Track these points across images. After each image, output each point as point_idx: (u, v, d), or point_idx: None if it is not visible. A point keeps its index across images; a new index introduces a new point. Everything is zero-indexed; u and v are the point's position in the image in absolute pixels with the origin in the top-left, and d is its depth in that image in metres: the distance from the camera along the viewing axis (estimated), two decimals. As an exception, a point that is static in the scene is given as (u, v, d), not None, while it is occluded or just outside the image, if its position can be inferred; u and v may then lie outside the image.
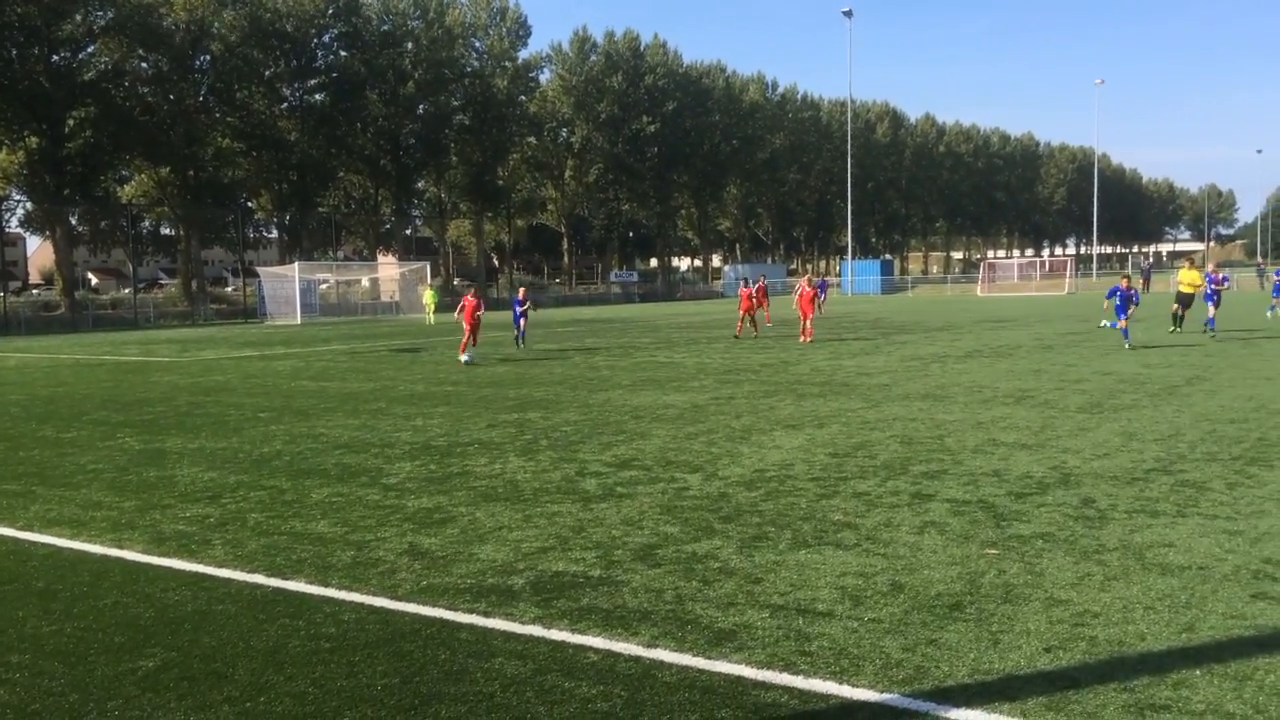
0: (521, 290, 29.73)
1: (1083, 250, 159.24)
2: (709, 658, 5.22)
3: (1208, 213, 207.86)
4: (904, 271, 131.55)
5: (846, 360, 22.17)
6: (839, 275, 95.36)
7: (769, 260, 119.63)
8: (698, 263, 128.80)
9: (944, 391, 16.08)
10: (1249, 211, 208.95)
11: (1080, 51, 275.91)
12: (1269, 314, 34.79)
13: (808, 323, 28.63)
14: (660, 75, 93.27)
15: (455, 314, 26.40)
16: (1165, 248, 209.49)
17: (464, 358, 23.01)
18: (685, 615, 5.87)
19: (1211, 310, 27.04)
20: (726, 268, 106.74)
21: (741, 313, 31.24)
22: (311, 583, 6.65)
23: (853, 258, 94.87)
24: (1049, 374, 18.18)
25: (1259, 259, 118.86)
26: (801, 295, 29.18)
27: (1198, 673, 4.88)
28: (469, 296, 27.54)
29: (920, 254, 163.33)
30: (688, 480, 9.68)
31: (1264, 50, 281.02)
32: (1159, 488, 8.88)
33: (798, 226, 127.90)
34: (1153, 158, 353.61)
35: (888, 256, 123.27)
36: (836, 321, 38.55)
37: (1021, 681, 4.85)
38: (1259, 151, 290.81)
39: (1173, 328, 27.55)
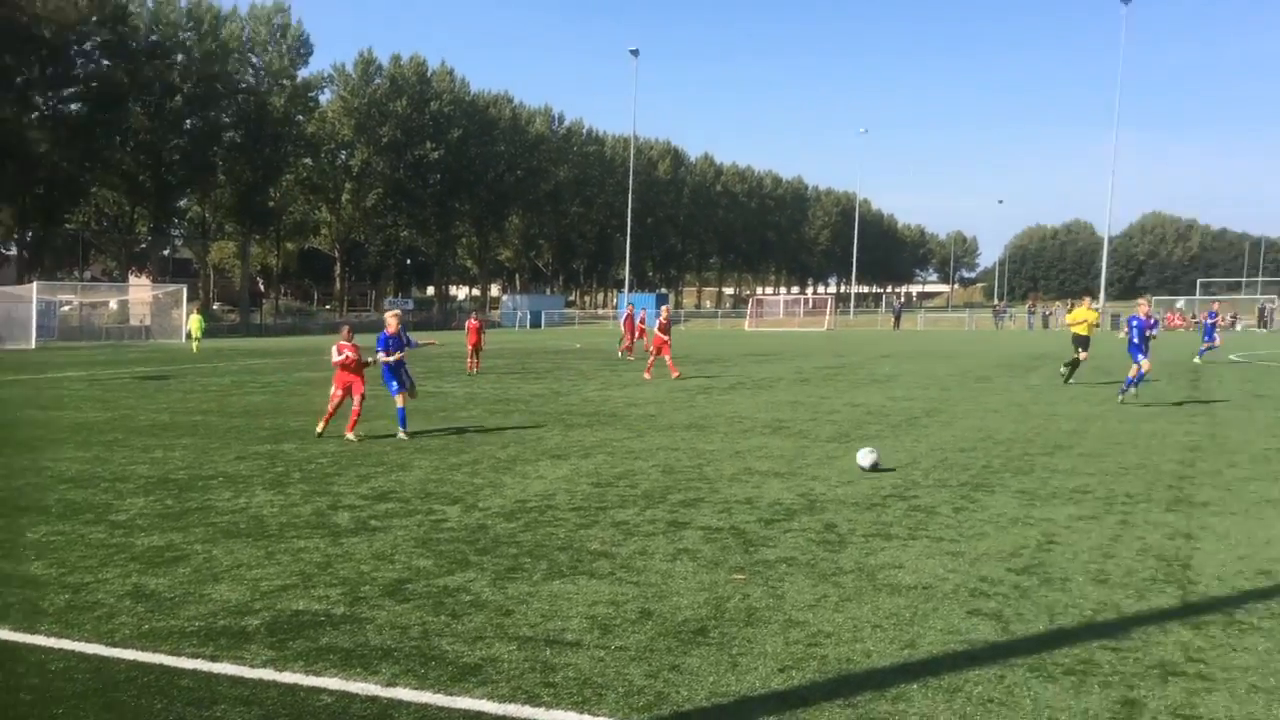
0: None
1: (843, 289, 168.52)
2: (450, 694, 5.11)
3: (954, 257, 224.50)
4: (679, 305, 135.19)
5: (616, 391, 22.49)
6: (615, 307, 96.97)
7: (548, 291, 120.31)
8: (476, 292, 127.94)
9: (707, 422, 16.55)
10: (990, 256, 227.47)
11: (847, 100, 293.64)
12: (1196, 359, 31.46)
13: (668, 357, 26.10)
14: (446, 102, 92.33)
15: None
16: (915, 288, 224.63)
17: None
18: (430, 651, 5.73)
19: (1143, 365, 19.10)
20: (505, 298, 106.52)
21: (628, 343, 34.90)
22: (17, 629, 6.09)
23: (630, 290, 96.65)
24: (805, 405, 19.05)
25: (996, 301, 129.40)
26: (660, 327, 26.64)
27: (915, 686, 5.18)
28: (472, 320, 28.88)
29: (695, 289, 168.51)
30: (446, 512, 9.51)
31: (1005, 111, 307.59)
32: (894, 512, 9.42)
33: (578, 258, 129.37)
34: (907, 204, 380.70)
35: (664, 290, 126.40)
36: (609, 353, 39.13)
37: (755, 702, 5.01)
38: (1000, 202, 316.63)
39: (1066, 376, 23.79)
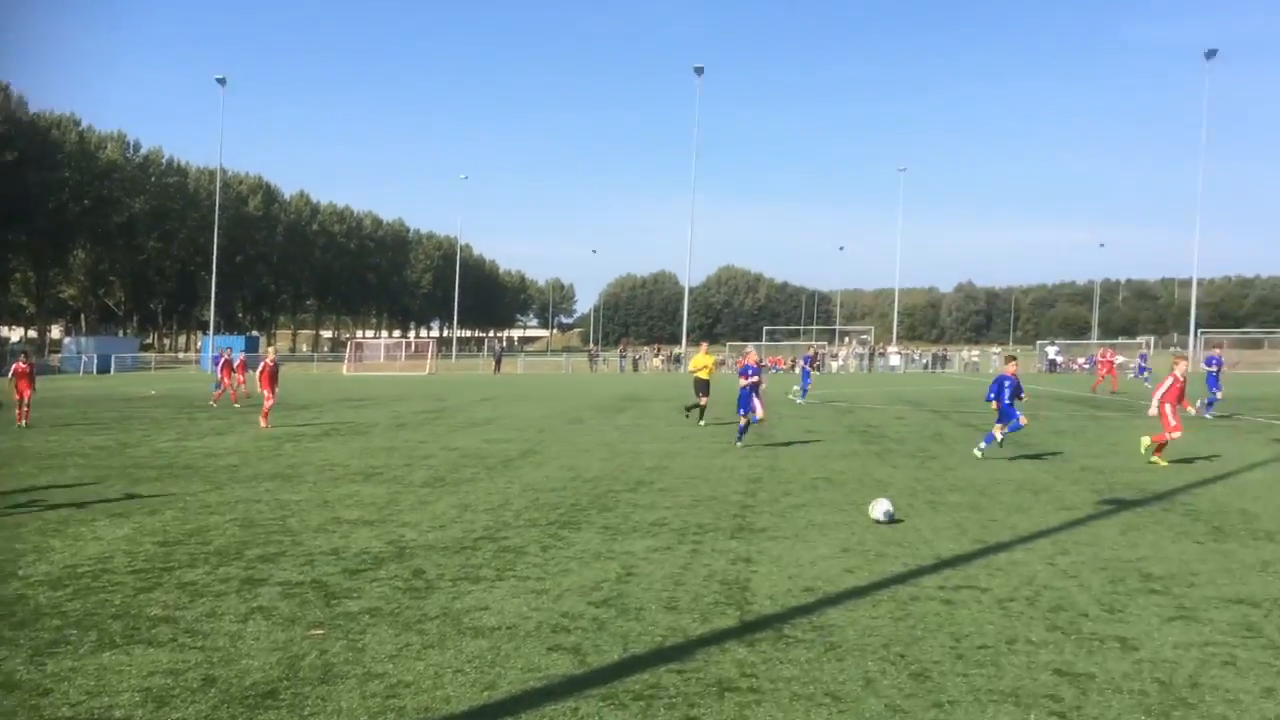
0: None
1: (445, 333, 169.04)
2: (-36, 794, 4.43)
3: (553, 303, 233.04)
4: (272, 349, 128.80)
5: (193, 441, 20.92)
6: (200, 350, 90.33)
7: (120, 333, 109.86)
8: (33, 333, 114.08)
9: (294, 471, 15.82)
10: (586, 303, 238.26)
11: (449, 145, 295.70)
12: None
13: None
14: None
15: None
16: (517, 333, 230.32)
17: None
18: (-57, 746, 4.95)
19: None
20: (68, 340, 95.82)
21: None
22: None
23: (216, 333, 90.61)
24: (400, 450, 18.79)
25: (591, 345, 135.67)
26: (263, 370, 25.12)
27: (491, 728, 5.21)
28: (20, 364, 25.58)
29: (290, 331, 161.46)
30: (-23, 583, 8.30)
31: (597, 165, 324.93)
32: (483, 554, 9.50)
33: (156, 298, 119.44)
34: (508, 251, 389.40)
35: (255, 333, 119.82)
36: (188, 399, 36.37)
37: (325, 763, 4.79)
38: (594, 251, 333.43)
39: (691, 416, 24.62)
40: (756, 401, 19.28)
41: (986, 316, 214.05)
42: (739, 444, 19.25)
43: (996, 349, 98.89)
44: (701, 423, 24.17)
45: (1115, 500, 12.60)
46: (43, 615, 7.34)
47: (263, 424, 23.97)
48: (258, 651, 6.49)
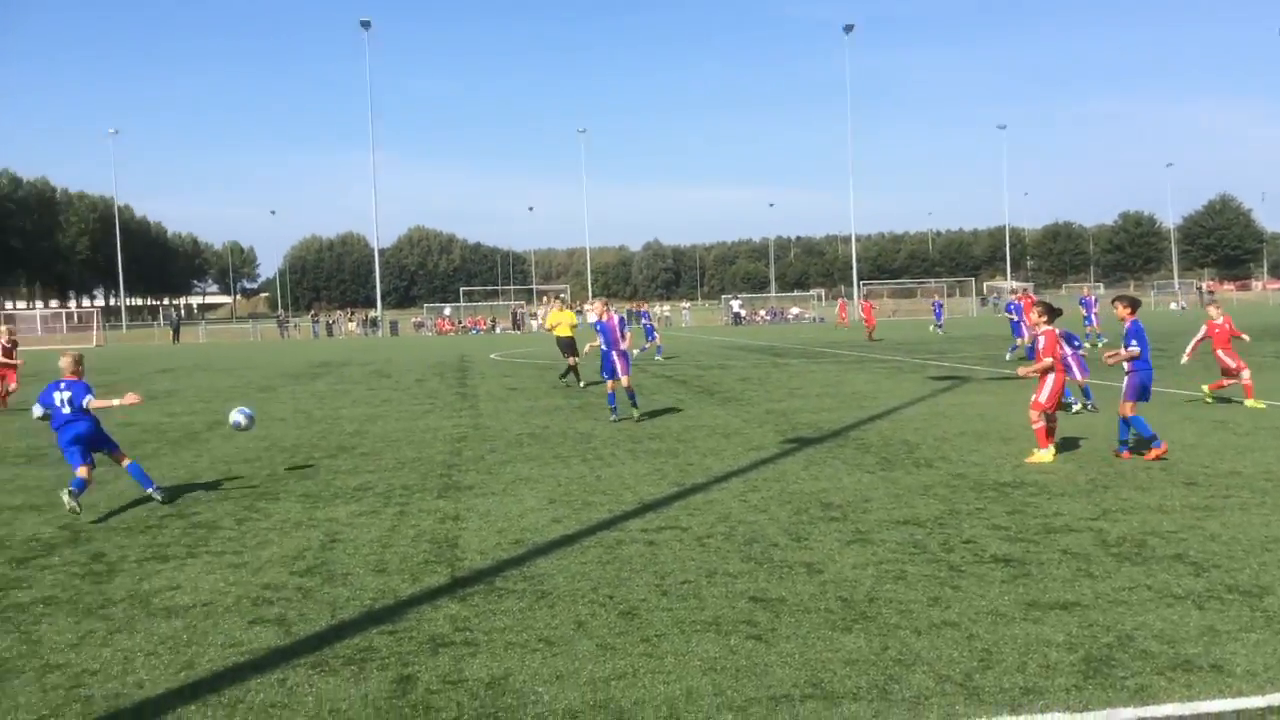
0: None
1: (112, 302, 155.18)
2: None
3: (233, 268, 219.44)
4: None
5: None
6: None
7: None
8: None
9: (-60, 457, 14.08)
10: (270, 267, 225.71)
11: (95, 97, 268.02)
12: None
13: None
14: None
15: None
16: (196, 300, 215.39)
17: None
18: None
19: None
20: None
21: None
22: None
23: None
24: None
25: (280, 311, 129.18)
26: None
27: (193, 707, 4.94)
28: None
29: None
30: None
31: (272, 123, 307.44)
32: (171, 532, 8.91)
33: None
34: (176, 212, 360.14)
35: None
36: None
37: (1, 766, 4.37)
38: (273, 213, 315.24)
39: (570, 383, 23.13)
40: (618, 363, 16.38)
41: (675, 274, 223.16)
42: (612, 418, 16.23)
43: (686, 304, 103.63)
44: (581, 384, 22.53)
45: (797, 439, 13.61)
46: None
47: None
48: (-92, 656, 5.77)
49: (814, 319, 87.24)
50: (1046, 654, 5.38)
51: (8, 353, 22.08)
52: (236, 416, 11.79)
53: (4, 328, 23.55)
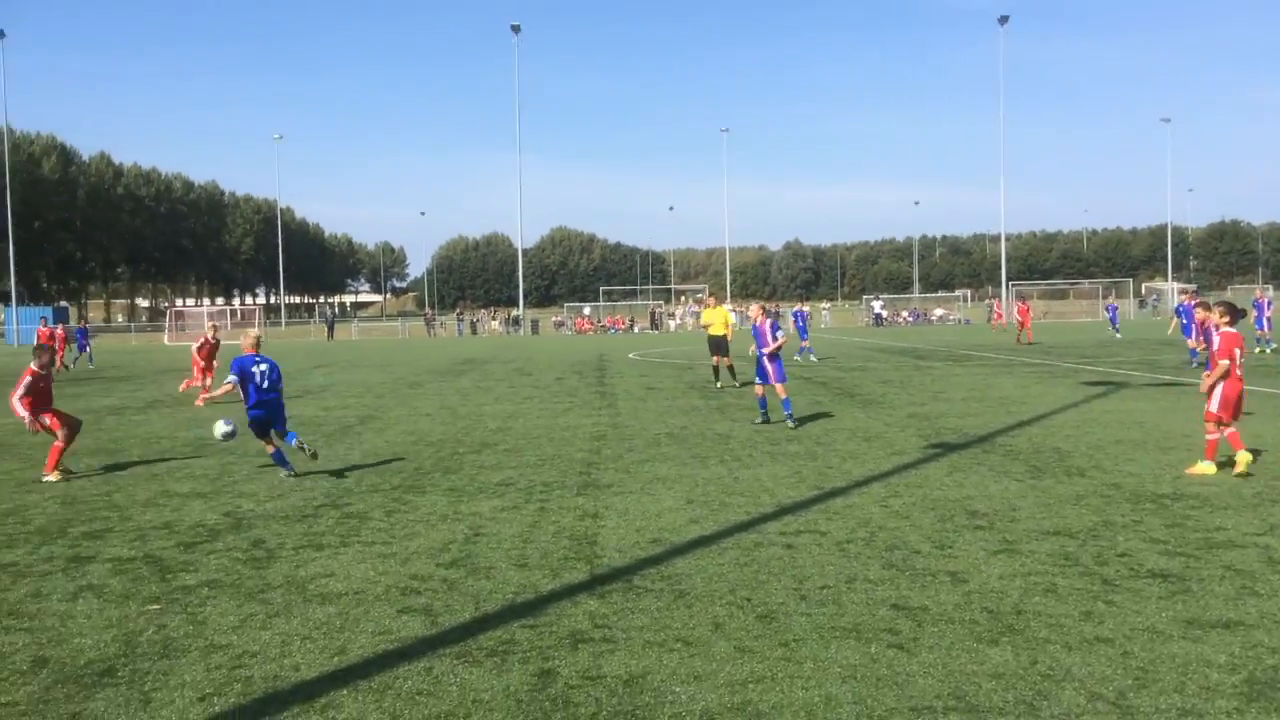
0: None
1: (272, 299, 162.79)
2: None
3: (384, 267, 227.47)
4: (84, 319, 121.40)
5: (5, 417, 19.58)
6: (3, 322, 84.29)
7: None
8: None
9: (118, 445, 15.07)
10: (419, 266, 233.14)
11: (262, 105, 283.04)
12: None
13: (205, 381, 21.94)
14: None
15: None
16: (349, 298, 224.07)
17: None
18: None
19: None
20: None
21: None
22: None
23: (19, 304, 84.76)
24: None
25: (427, 309, 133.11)
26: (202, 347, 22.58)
27: (345, 692, 5.13)
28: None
29: (103, 301, 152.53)
30: None
31: (424, 125, 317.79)
32: (326, 522, 9.29)
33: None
34: (334, 213, 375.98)
35: (63, 304, 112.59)
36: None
37: (171, 739, 4.63)
38: (423, 214, 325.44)
39: (724, 383, 22.63)
40: (769, 368, 15.78)
41: (815, 273, 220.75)
42: (756, 420, 16.10)
43: (826, 305, 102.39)
44: (719, 385, 22.43)
45: (941, 444, 13.28)
46: None
47: (200, 403, 21.35)
48: (90, 630, 6.19)
49: (959, 321, 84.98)
50: (1207, 674, 5.11)
51: (211, 351, 22.45)
52: (224, 428, 12.28)
53: (210, 324, 24.36)
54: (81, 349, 39.61)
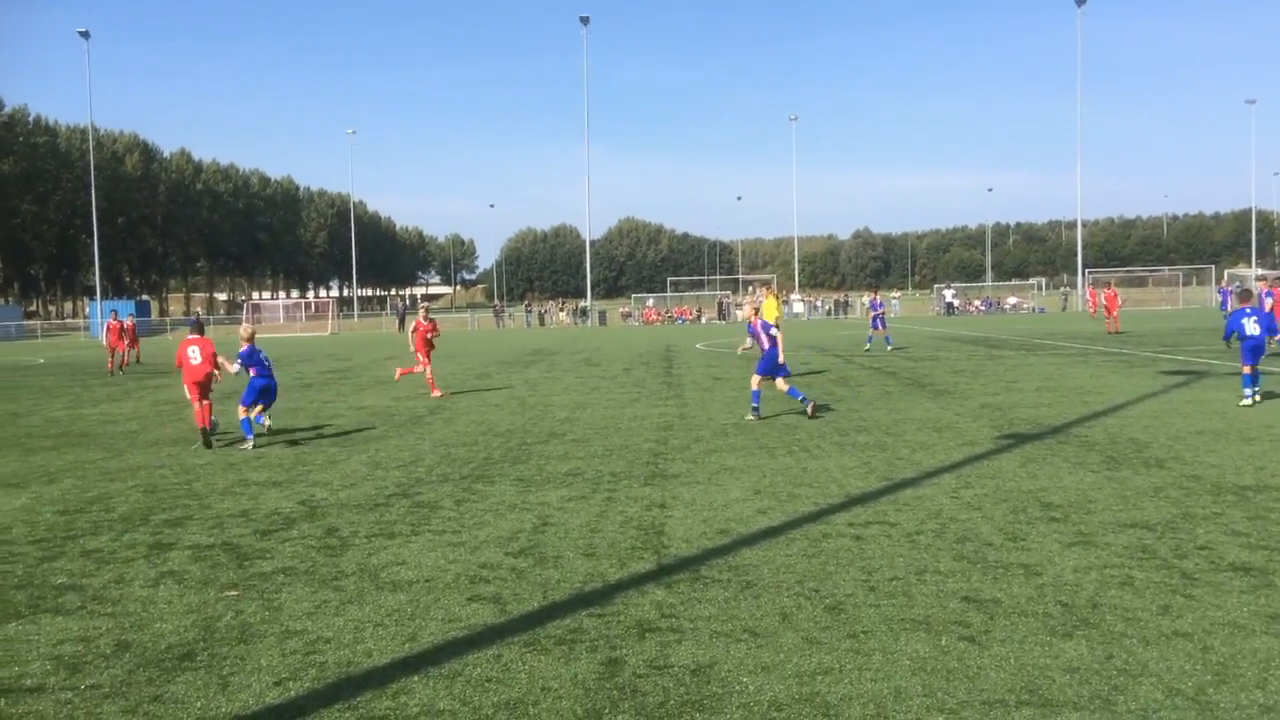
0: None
1: (345, 292, 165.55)
2: None
3: (454, 259, 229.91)
4: (164, 313, 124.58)
5: (89, 408, 20.24)
6: (88, 316, 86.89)
7: (4, 301, 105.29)
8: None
9: (195, 435, 15.41)
10: (488, 258, 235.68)
11: (334, 101, 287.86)
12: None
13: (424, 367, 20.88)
14: None
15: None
16: (419, 290, 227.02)
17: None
18: None
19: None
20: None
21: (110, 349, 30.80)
22: None
23: (104, 298, 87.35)
24: (306, 411, 18.45)
25: (496, 301, 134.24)
26: (416, 329, 21.32)
27: (416, 678, 5.21)
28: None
29: (182, 294, 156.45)
30: None
31: (488, 116, 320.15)
32: (397, 510, 9.43)
33: (36, 264, 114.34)
34: (403, 207, 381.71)
35: (145, 297, 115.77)
36: (78, 367, 35.06)
37: (248, 721, 4.75)
38: (492, 206, 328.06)
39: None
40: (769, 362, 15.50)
41: (884, 262, 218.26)
42: (756, 416, 15.51)
43: (896, 294, 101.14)
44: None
45: (1014, 435, 13.05)
46: (-63, 590, 7.07)
47: (435, 393, 20.68)
48: (171, 615, 6.36)
49: (1033, 309, 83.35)
50: (1294, 673, 4.96)
51: (427, 335, 21.07)
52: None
53: (423, 308, 23.06)
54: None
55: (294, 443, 14.29)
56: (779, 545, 7.75)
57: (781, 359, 15.52)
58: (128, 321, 33.17)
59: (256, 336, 15.17)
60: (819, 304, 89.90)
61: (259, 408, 14.51)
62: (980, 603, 6.19)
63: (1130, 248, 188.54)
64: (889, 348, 31.73)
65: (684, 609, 6.25)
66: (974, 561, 7.11)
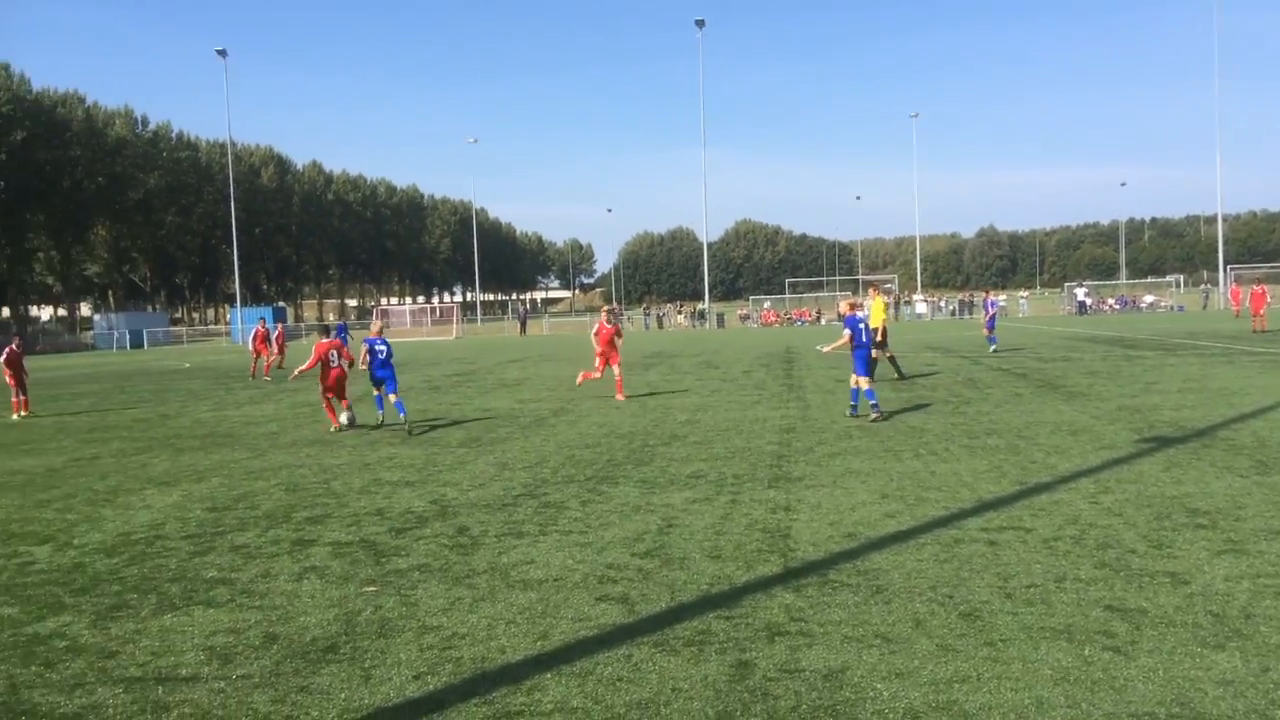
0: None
1: (468, 297, 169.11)
2: (43, 751, 4.56)
3: (572, 264, 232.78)
4: (299, 319, 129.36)
5: (232, 410, 21.15)
6: (228, 322, 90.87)
7: (149, 308, 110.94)
8: (62, 312, 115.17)
9: (333, 436, 15.99)
10: (605, 262, 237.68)
11: (457, 110, 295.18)
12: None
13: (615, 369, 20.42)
14: (3, 101, 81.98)
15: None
16: (539, 294, 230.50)
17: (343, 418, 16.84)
18: (20, 705, 5.10)
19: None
20: (98, 317, 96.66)
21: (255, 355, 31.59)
22: None
23: (243, 305, 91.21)
24: (434, 413, 18.91)
25: (613, 304, 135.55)
26: (599, 333, 20.57)
27: (549, 675, 5.30)
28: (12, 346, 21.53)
29: (315, 301, 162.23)
30: (34, 553, 8.50)
31: (605, 122, 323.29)
32: (525, 510, 9.59)
33: (180, 272, 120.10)
34: (523, 212, 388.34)
35: (281, 304, 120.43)
36: (223, 371, 36.69)
37: (389, 713, 4.90)
38: (609, 210, 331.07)
39: (896, 376, 21.97)
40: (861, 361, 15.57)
41: (1011, 261, 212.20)
42: (851, 414, 15.95)
43: (1024, 293, 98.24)
44: (895, 378, 21.59)
45: (1156, 438, 12.53)
46: (101, 581, 7.50)
47: (619, 396, 20.25)
48: (314, 609, 6.61)
49: (1171, 307, 79.90)
50: None
51: (611, 337, 20.36)
52: (346, 415, 15.63)
53: (605, 309, 22.06)
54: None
55: (432, 427, 14.76)
56: (909, 550, 7.61)
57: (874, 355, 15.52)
58: (276, 330, 34.10)
59: (383, 331, 17.46)
60: (942, 304, 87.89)
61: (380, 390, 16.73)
62: (1125, 612, 5.97)
63: (1276, 242, 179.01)
64: (990, 348, 30.80)
65: (813, 613, 6.20)
66: (1116, 569, 6.86)
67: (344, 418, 16.81)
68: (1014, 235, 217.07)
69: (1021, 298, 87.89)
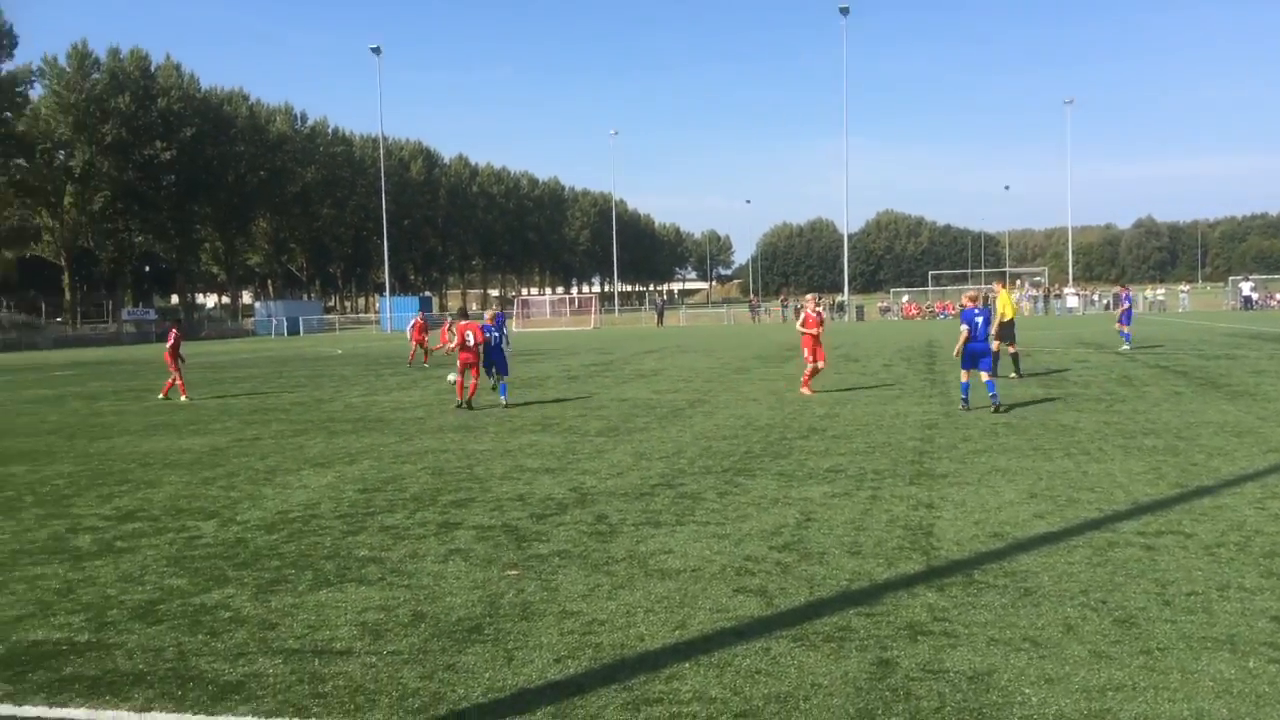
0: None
1: (607, 288, 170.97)
2: (211, 713, 4.85)
3: (710, 255, 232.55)
4: (444, 309, 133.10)
5: (381, 396, 21.92)
6: (378, 311, 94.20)
7: (305, 297, 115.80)
8: (225, 299, 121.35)
9: (477, 422, 16.40)
10: (743, 254, 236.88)
11: (598, 103, 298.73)
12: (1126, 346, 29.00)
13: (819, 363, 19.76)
14: (175, 99, 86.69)
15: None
16: (677, 286, 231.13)
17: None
18: (188, 672, 5.41)
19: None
20: (258, 305, 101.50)
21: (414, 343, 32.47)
22: None
23: (391, 294, 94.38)
24: (573, 402, 19.20)
25: (752, 296, 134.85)
26: (806, 323, 19.81)
27: (687, 665, 5.33)
28: (173, 331, 22.69)
29: (459, 291, 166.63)
30: (201, 528, 9.00)
31: (744, 114, 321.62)
32: (662, 500, 9.65)
33: (334, 262, 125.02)
34: (662, 204, 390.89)
35: (427, 293, 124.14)
36: (373, 358, 38.04)
37: (532, 694, 5.00)
38: (748, 202, 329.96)
39: (1014, 374, 21.10)
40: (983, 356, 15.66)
41: (1170, 253, 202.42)
42: (964, 407, 16.01)
43: (1185, 286, 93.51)
44: (1013, 375, 20.89)
45: (1329, 442, 11.78)
46: (262, 556, 7.89)
47: (805, 392, 19.50)
48: (460, 590, 6.80)
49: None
50: None
51: (814, 329, 19.63)
52: (451, 377, 17.15)
53: (810, 298, 21.47)
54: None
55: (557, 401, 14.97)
56: (1059, 552, 7.36)
57: (995, 347, 15.96)
58: (445, 323, 34.74)
59: (502, 320, 19.25)
60: (1095, 297, 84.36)
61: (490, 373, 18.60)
62: (1295, 625, 5.64)
63: None
64: (1124, 346, 29.21)
65: (957, 613, 6.06)
66: (1286, 580, 6.48)
67: (451, 377, 19.18)
68: (1174, 226, 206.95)
69: (1182, 291, 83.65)
